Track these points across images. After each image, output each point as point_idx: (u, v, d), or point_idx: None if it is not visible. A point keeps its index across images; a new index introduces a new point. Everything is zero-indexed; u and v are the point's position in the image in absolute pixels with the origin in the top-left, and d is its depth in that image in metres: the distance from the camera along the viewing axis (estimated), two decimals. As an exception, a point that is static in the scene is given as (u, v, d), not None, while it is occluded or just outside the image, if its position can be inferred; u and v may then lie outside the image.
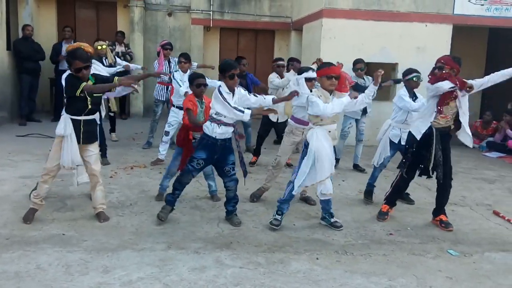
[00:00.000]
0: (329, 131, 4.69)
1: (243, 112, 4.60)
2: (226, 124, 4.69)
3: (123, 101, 11.71)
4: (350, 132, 7.50)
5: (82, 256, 3.94)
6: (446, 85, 4.76)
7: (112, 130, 8.73)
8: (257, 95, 4.95)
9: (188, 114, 4.92)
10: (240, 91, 4.79)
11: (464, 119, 4.92)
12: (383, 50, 9.50)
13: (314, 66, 7.05)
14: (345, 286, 3.69)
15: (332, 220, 4.93)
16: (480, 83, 4.87)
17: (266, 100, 4.85)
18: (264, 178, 5.88)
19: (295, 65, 7.68)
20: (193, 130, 5.10)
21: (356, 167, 7.58)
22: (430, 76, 4.95)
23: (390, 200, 5.30)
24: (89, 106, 4.54)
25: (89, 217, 4.84)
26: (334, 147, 4.79)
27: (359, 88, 7.28)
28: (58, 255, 3.95)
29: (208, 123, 4.72)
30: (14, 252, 3.97)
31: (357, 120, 7.47)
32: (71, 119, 4.51)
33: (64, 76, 5.04)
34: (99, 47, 7.65)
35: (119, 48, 11.12)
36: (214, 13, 12.25)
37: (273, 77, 7.54)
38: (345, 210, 5.48)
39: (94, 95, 4.56)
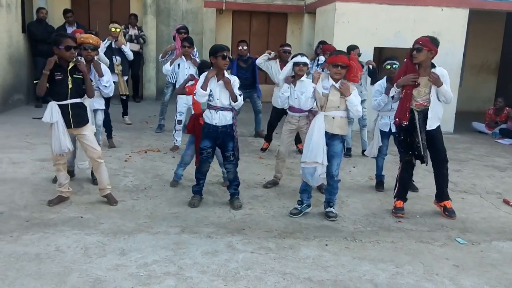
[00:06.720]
0: (333, 117, 4.67)
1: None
2: (223, 109, 4.79)
3: (137, 84, 11.80)
4: (354, 120, 7.30)
5: (99, 239, 4.08)
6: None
7: (125, 113, 8.83)
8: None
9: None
10: (232, 76, 4.85)
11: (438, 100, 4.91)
12: (397, 34, 9.41)
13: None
14: (353, 272, 3.78)
15: (327, 209, 4.90)
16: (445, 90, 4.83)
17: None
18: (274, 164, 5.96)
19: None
20: (202, 115, 5.19)
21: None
22: (405, 60, 4.89)
23: (401, 195, 5.22)
24: (70, 85, 4.51)
25: (106, 200, 4.97)
26: (341, 136, 4.75)
27: (371, 74, 7.28)
28: (76, 237, 4.09)
29: (207, 111, 4.84)
30: (34, 234, 4.11)
31: None
32: (58, 104, 4.52)
33: None
34: (113, 29, 7.94)
35: (132, 31, 11.18)
36: (227, -5, 12.23)
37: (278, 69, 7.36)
38: (355, 197, 5.55)
39: (74, 76, 4.56)
